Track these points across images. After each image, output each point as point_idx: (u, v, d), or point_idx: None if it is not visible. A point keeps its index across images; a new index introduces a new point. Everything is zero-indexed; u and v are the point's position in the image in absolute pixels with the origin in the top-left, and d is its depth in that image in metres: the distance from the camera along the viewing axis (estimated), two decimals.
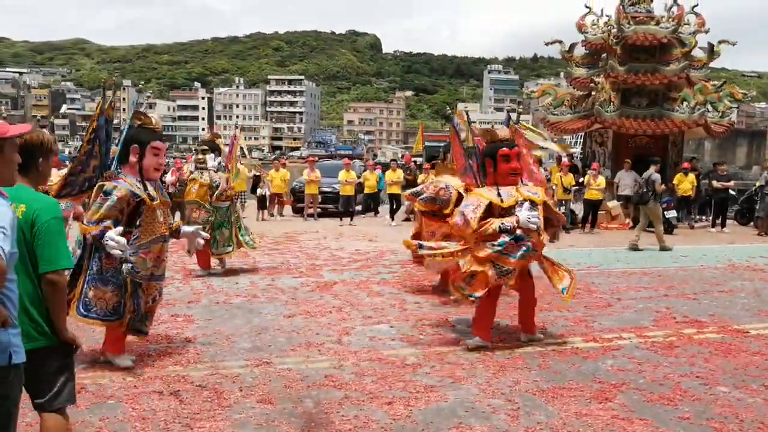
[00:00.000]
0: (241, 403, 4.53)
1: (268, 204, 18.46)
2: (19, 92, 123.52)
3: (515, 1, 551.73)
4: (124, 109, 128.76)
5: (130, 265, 5.09)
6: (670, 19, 17.69)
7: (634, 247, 12.62)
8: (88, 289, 5.10)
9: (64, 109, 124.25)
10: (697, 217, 18.19)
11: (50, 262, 2.86)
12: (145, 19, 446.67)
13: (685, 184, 16.91)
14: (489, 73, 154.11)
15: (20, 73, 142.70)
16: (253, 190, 19.46)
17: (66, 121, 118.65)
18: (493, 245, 5.70)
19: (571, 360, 5.64)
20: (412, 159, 23.04)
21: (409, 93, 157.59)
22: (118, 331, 5.28)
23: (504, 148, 5.99)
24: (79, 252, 5.17)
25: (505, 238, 5.68)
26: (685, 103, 17.56)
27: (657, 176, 13.09)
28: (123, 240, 4.93)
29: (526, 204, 5.83)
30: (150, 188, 5.29)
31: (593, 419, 4.35)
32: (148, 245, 5.20)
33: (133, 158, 5.25)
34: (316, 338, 6.16)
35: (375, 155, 74.59)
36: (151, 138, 5.31)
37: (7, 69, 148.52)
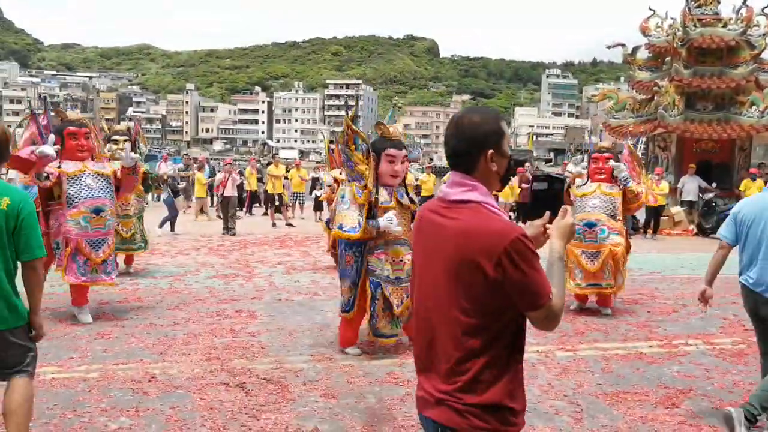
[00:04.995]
0: (305, 397, 4.62)
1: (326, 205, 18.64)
2: (88, 96, 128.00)
3: (574, 5, 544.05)
4: (187, 112, 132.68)
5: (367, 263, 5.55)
6: (739, 21, 17.20)
7: None
8: (341, 283, 5.72)
9: (130, 111, 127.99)
10: None
11: (33, 250, 3.23)
12: (208, 24, 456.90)
13: (753, 190, 16.35)
14: (547, 77, 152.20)
15: (90, 78, 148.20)
16: (311, 192, 19.72)
17: (132, 123, 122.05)
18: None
19: (635, 364, 5.55)
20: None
21: (466, 97, 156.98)
22: (350, 325, 5.69)
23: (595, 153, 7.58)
24: None
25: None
26: (753, 107, 17.03)
27: None
28: (386, 217, 5.43)
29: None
30: (384, 193, 5.56)
31: (659, 424, 4.28)
32: (383, 246, 5.52)
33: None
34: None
35: (431, 159, 74.60)
36: (385, 146, 5.56)
37: (78, 74, 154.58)
